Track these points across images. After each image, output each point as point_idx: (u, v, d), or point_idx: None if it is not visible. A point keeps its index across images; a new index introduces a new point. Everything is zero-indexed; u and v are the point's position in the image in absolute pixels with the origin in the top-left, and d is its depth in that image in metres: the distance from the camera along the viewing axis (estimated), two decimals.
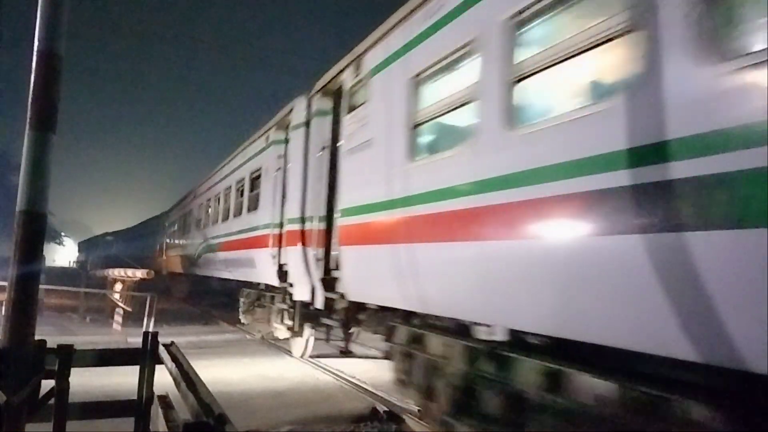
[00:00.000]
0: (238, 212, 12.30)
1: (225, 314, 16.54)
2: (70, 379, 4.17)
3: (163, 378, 4.11)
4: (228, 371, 8.74)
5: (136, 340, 5.25)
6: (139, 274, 15.37)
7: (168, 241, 24.72)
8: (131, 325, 12.85)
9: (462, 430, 4.60)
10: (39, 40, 4.09)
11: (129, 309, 13.93)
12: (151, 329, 8.82)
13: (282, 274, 8.99)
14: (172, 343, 4.53)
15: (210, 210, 15.63)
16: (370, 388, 7.81)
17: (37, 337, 4.08)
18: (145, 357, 4.53)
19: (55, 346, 4.22)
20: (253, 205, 11.05)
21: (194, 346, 10.84)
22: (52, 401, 4.08)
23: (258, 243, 10.26)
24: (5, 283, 4.09)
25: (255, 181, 11.23)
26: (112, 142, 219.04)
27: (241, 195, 12.21)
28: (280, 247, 9.13)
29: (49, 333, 9.33)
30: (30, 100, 4.08)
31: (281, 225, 9.13)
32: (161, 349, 4.47)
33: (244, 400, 6.97)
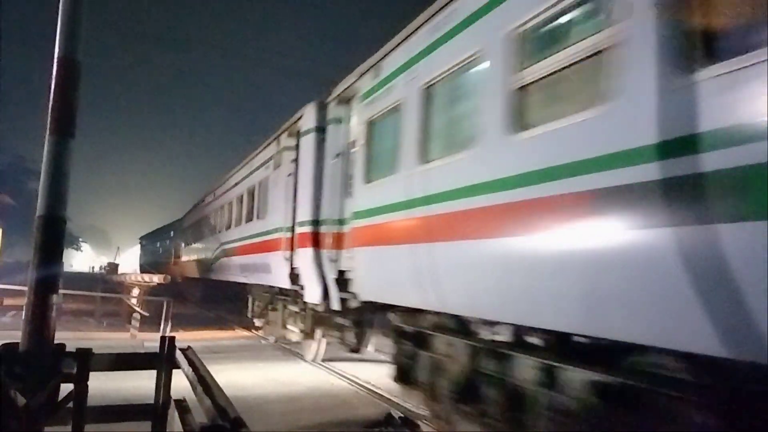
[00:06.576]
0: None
1: (239, 318, 16.66)
2: (88, 382, 4.20)
3: (180, 382, 4.11)
4: (243, 375, 8.75)
5: (152, 345, 5.27)
6: (156, 279, 15.47)
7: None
8: (147, 330, 12.94)
9: (470, 431, 4.59)
10: (58, 47, 4.15)
11: (146, 313, 14.06)
12: (168, 333, 8.88)
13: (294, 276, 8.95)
14: (189, 347, 4.54)
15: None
16: (385, 394, 7.77)
17: (54, 341, 4.11)
18: (162, 361, 4.54)
19: (74, 350, 4.25)
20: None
21: (209, 350, 10.87)
22: (70, 404, 4.10)
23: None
24: (24, 288, 4.13)
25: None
26: (129, 148, 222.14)
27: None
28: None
29: (65, 338, 9.40)
30: (50, 105, 4.14)
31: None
32: (178, 353, 4.48)
33: (259, 404, 6.96)
